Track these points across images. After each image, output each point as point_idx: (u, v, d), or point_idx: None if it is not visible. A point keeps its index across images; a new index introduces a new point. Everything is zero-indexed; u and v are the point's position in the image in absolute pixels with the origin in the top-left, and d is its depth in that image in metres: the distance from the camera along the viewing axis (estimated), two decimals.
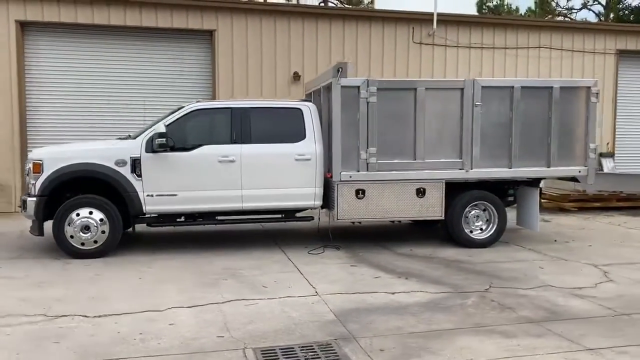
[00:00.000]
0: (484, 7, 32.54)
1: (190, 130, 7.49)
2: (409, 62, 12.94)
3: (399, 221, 8.92)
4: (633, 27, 15.59)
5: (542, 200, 10.78)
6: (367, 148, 7.50)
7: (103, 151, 7.27)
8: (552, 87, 7.92)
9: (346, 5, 29.55)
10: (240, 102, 7.77)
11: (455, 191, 7.84)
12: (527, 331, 4.57)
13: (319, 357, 4.01)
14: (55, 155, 7.26)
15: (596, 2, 31.09)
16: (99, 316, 4.87)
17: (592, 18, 31.48)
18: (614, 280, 6.22)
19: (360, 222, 8.44)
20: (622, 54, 14.28)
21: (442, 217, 7.77)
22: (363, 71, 12.13)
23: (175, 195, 7.28)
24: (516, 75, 13.31)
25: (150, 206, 7.26)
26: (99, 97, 11.60)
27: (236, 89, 11.94)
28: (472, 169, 7.77)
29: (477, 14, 30.07)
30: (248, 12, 12.13)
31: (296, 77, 12.23)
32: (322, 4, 28.93)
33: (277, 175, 7.50)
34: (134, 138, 7.43)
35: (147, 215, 7.43)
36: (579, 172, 8.11)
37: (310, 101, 8.26)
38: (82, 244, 7.09)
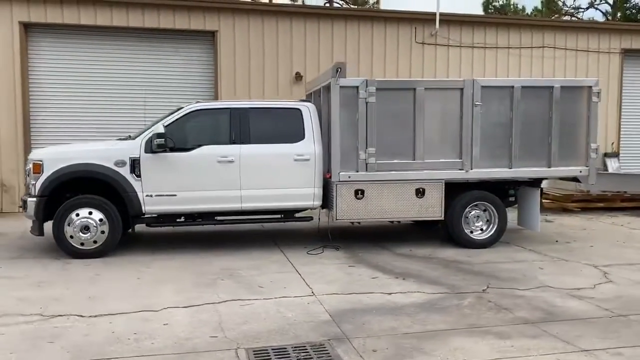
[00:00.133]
0: (490, 7, 32.42)
1: (190, 130, 7.51)
2: (412, 62, 12.90)
3: (399, 221, 8.90)
4: (638, 26, 15.47)
5: (545, 201, 10.74)
6: (366, 148, 7.48)
7: (102, 152, 7.31)
8: (552, 87, 7.87)
9: (351, 5, 29.53)
10: (239, 103, 7.79)
11: (455, 191, 7.81)
12: (523, 332, 4.54)
13: (311, 358, 4.01)
14: (55, 155, 7.30)
15: (603, 1, 30.91)
16: (95, 316, 4.89)
17: (599, 17, 31.34)
18: (614, 281, 6.18)
19: (359, 223, 8.43)
20: (627, 53, 14.17)
21: (442, 218, 7.74)
22: (365, 71, 12.16)
23: (175, 195, 7.30)
24: (520, 75, 13.24)
25: (150, 206, 7.29)
26: (101, 98, 11.65)
27: (238, 90, 11.96)
28: (472, 169, 7.74)
29: (482, 13, 29.97)
30: (250, 13, 12.16)
31: (298, 77, 12.23)
32: (327, 4, 28.95)
33: (276, 175, 7.50)
34: (134, 139, 7.47)
35: (146, 216, 7.47)
36: (580, 172, 8.05)
37: (310, 101, 8.27)
38: (82, 244, 7.13)
